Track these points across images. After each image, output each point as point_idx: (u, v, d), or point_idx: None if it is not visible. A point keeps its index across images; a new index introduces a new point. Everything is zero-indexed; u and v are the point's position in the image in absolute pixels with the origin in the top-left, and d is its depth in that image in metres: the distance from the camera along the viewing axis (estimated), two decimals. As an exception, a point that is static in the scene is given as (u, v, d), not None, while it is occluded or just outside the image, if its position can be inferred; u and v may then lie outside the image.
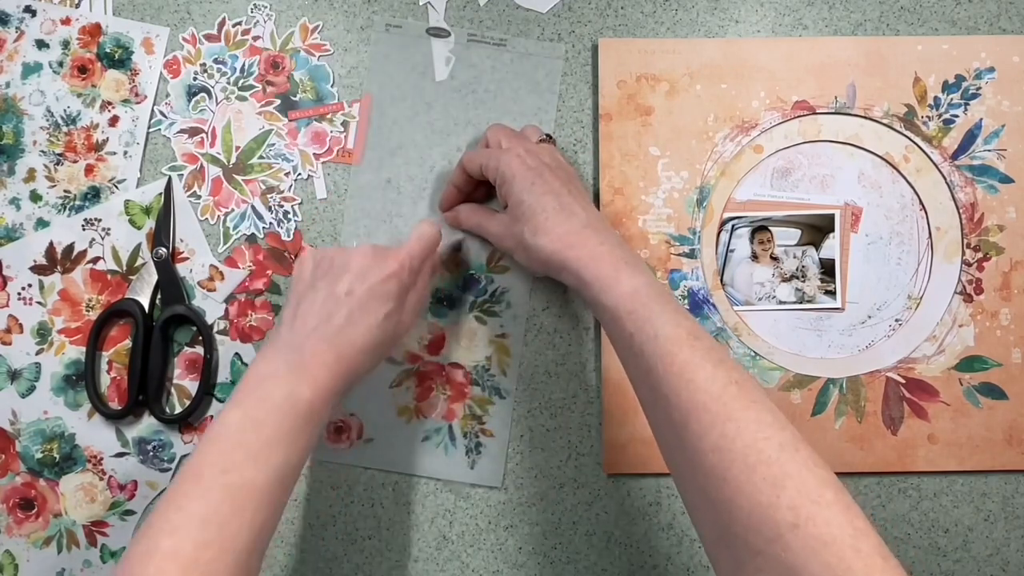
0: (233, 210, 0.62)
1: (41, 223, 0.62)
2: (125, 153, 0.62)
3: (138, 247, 0.62)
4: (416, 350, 0.62)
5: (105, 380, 0.61)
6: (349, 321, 0.50)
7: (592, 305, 0.51)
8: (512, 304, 0.62)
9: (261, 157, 0.62)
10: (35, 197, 0.62)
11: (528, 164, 0.54)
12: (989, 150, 0.62)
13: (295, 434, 0.46)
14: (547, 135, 0.60)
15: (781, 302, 0.62)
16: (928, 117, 0.62)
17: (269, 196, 0.62)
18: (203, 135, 0.63)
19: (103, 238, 0.62)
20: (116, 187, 0.62)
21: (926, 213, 0.62)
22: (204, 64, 0.63)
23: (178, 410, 0.61)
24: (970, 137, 0.62)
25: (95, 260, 0.62)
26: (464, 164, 0.59)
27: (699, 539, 0.44)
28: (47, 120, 0.62)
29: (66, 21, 0.63)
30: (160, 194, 0.62)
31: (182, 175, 0.62)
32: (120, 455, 0.61)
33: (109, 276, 0.62)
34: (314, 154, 0.63)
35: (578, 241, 0.51)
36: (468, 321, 0.62)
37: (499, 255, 0.63)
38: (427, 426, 0.62)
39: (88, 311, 0.62)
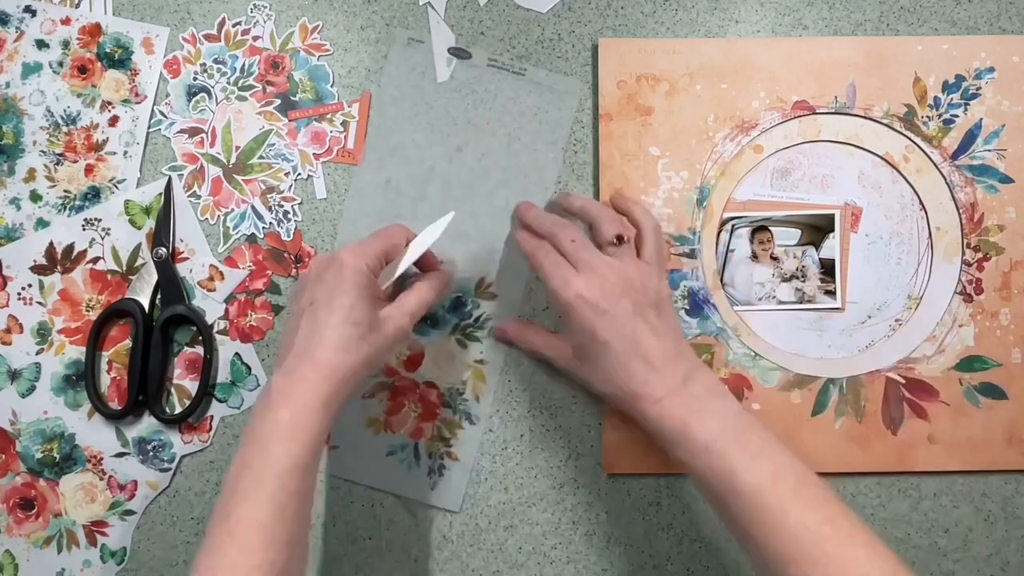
0: (233, 210, 0.62)
1: (41, 223, 0.62)
2: (125, 153, 0.62)
3: (138, 247, 0.62)
4: (393, 364, 0.62)
5: (105, 380, 0.61)
6: (314, 325, 0.50)
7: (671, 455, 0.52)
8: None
9: (261, 157, 0.62)
10: (35, 197, 0.62)
11: (589, 297, 0.52)
12: (989, 150, 0.62)
13: (283, 459, 0.46)
14: (618, 236, 0.55)
15: (781, 302, 0.62)
16: (928, 117, 0.62)
17: (269, 196, 0.62)
18: (203, 135, 0.63)
19: (103, 238, 0.62)
20: (116, 187, 0.62)
21: (926, 213, 0.62)
22: (204, 64, 0.63)
23: (178, 410, 0.61)
24: (970, 137, 0.62)
25: (95, 260, 0.62)
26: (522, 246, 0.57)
27: None
28: (47, 120, 0.62)
29: (66, 21, 0.63)
30: (160, 194, 0.62)
31: (182, 175, 0.62)
32: (120, 455, 0.61)
33: (109, 276, 0.62)
34: (314, 154, 0.63)
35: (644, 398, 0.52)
36: (448, 343, 0.62)
37: (489, 281, 0.62)
38: (394, 441, 0.61)
39: (88, 311, 0.62)
